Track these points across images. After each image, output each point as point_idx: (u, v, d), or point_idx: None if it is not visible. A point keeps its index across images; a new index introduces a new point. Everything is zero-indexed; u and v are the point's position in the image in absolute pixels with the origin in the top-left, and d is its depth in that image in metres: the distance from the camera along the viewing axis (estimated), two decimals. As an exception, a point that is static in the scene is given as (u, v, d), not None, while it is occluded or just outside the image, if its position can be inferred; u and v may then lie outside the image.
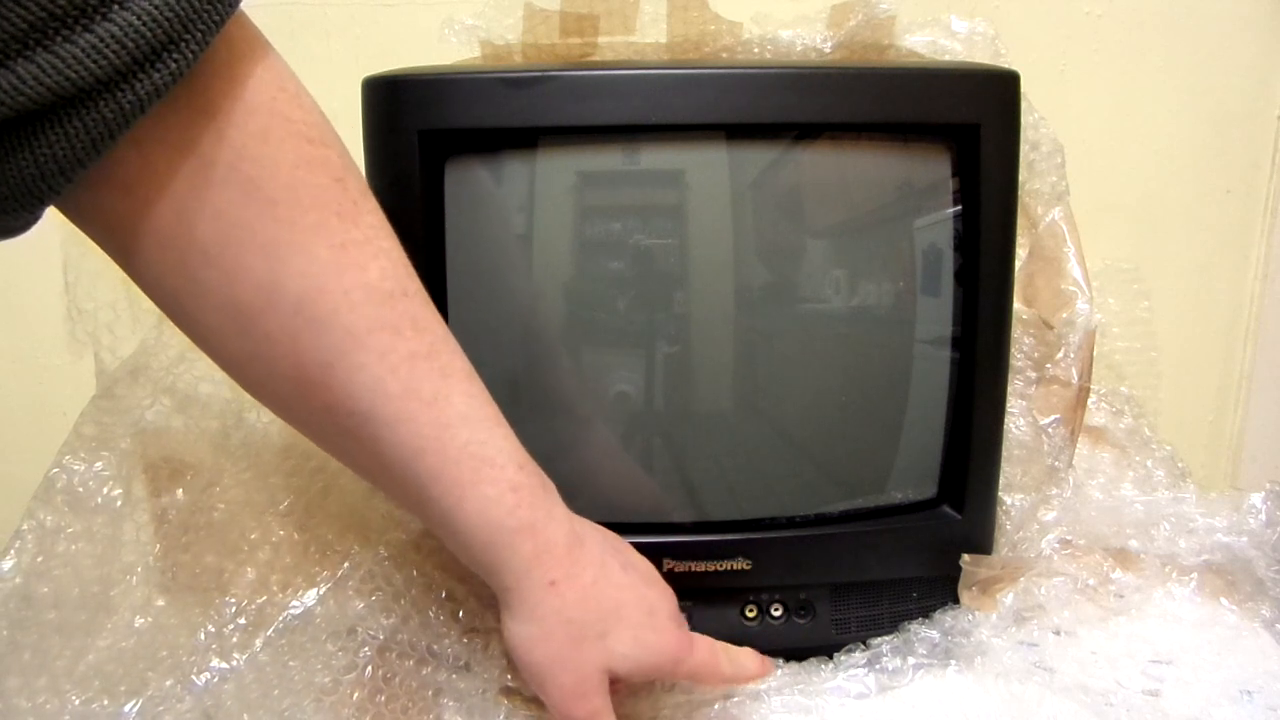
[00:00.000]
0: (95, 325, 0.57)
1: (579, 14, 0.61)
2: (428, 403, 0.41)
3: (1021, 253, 0.65)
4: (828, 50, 0.61)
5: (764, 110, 0.53)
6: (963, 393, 0.57)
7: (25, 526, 0.53)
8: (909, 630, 0.57)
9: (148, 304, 0.41)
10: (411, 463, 0.41)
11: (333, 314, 0.39)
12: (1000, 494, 0.61)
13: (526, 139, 0.53)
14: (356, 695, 0.50)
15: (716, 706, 0.51)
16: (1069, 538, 0.61)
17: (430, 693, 0.51)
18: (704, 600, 0.56)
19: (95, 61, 0.31)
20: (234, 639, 0.52)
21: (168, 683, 0.50)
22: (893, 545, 0.59)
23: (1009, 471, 0.62)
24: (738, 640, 0.50)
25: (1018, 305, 0.64)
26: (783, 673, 0.54)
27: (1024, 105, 0.56)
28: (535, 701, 0.50)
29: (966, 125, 0.54)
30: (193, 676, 0.51)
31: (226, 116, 0.36)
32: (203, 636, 0.52)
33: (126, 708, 0.49)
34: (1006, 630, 0.56)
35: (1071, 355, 0.64)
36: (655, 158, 0.55)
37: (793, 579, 0.58)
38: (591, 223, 0.55)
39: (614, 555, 0.46)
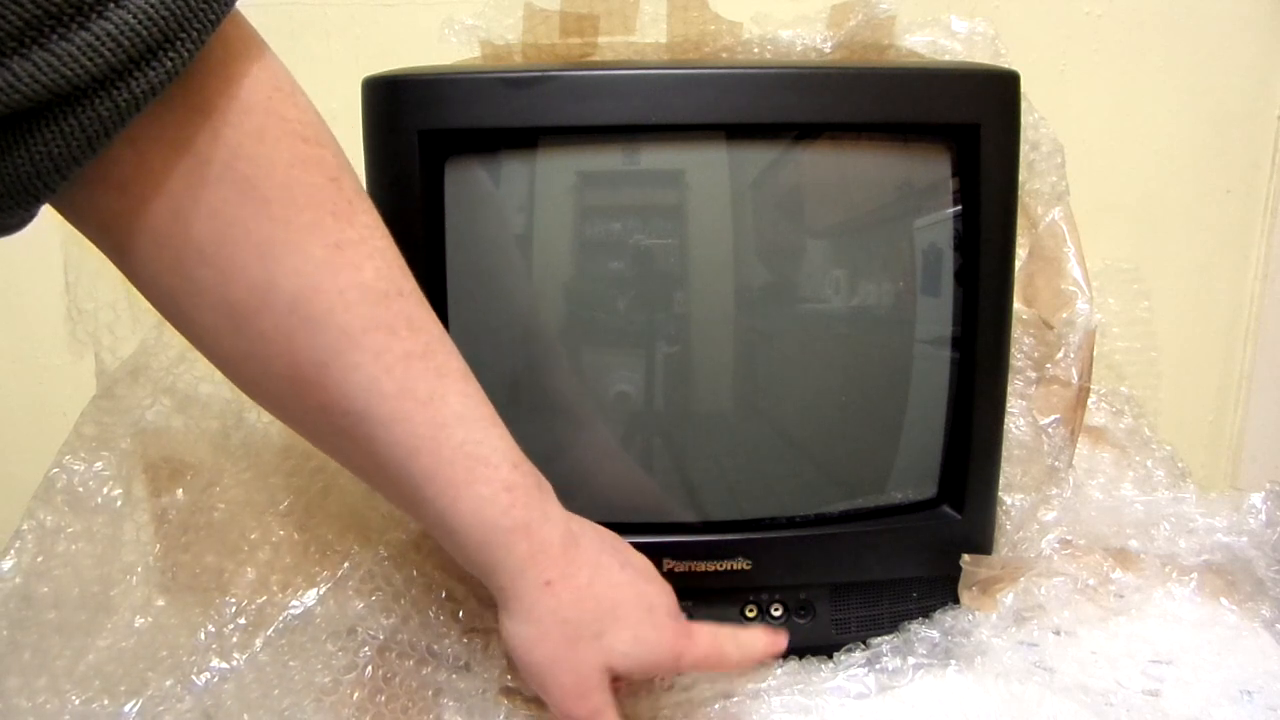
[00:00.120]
0: (95, 325, 0.57)
1: (579, 14, 0.61)
2: (423, 402, 0.41)
3: (1021, 253, 0.65)
4: (828, 50, 0.61)
5: (764, 110, 0.53)
6: (963, 393, 0.57)
7: (25, 526, 0.53)
8: (909, 630, 0.57)
9: (148, 304, 0.41)
10: (406, 462, 0.41)
11: (328, 313, 0.39)
12: (1000, 494, 0.61)
13: (526, 139, 0.53)
14: (356, 695, 0.50)
15: (716, 706, 0.51)
16: (1069, 538, 0.61)
17: (430, 693, 0.51)
18: (704, 600, 0.56)
19: (91, 60, 0.31)
20: (234, 639, 0.52)
21: (168, 683, 0.50)
22: (893, 545, 0.59)
23: (1009, 471, 0.62)
24: (738, 640, 0.50)
25: (1018, 305, 0.64)
26: (783, 672, 0.54)
27: (1024, 105, 0.56)
28: (535, 701, 0.50)
29: (966, 125, 0.54)
30: (193, 676, 0.51)
31: (222, 115, 0.36)
32: (203, 636, 0.52)
33: (126, 708, 0.49)
34: (1006, 630, 0.56)
35: (1071, 355, 0.64)
36: (655, 158, 0.55)
37: (793, 579, 0.58)
38: (591, 223, 0.55)
39: (611, 554, 0.46)
